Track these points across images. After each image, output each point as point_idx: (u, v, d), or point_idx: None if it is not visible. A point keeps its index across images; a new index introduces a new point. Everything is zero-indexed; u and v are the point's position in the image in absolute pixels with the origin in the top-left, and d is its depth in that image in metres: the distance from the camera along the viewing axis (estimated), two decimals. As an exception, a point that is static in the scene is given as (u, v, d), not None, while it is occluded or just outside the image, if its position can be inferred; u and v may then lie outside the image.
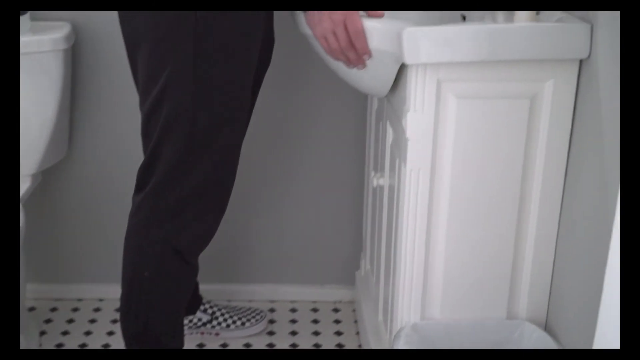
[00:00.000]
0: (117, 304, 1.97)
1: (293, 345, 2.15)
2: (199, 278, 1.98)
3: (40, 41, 1.91)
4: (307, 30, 1.53)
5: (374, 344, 1.87)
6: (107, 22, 2.01)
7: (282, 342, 2.17)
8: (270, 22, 1.69)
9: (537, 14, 1.44)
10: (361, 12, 1.47)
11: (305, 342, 2.17)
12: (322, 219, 2.31)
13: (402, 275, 1.54)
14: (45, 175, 2.19)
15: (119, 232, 1.75)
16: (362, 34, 1.45)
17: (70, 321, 2.26)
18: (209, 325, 2.15)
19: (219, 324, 2.15)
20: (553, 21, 1.44)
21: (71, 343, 2.15)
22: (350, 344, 2.16)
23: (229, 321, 2.16)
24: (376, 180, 1.78)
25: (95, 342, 2.16)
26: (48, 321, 2.26)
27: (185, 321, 2.12)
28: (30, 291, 2.28)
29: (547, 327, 1.58)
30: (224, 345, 2.15)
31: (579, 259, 1.44)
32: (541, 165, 1.48)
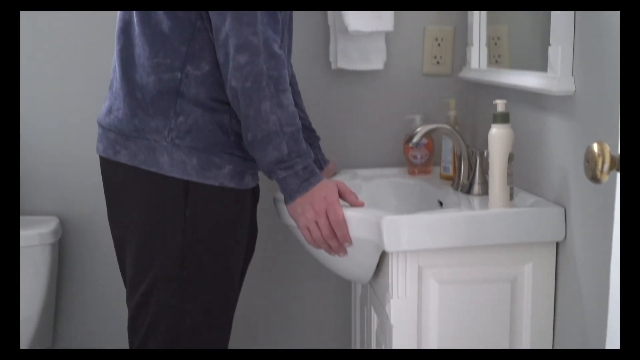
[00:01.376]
0: None
1: None
2: None
3: (28, 236, 1.93)
4: (289, 220, 1.57)
5: None
6: (93, 216, 2.04)
7: None
8: (254, 213, 1.72)
9: (512, 198, 1.49)
10: (342, 202, 1.52)
11: None
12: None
13: None
14: (28, 371, 2.14)
15: None
16: (343, 223, 1.48)
17: None
18: None
19: None
20: (527, 205, 1.49)
21: None
22: None
23: None
24: (363, 367, 1.76)
25: None
26: None
27: None
28: None
29: None
30: None
31: None
32: (527, 345, 1.48)
